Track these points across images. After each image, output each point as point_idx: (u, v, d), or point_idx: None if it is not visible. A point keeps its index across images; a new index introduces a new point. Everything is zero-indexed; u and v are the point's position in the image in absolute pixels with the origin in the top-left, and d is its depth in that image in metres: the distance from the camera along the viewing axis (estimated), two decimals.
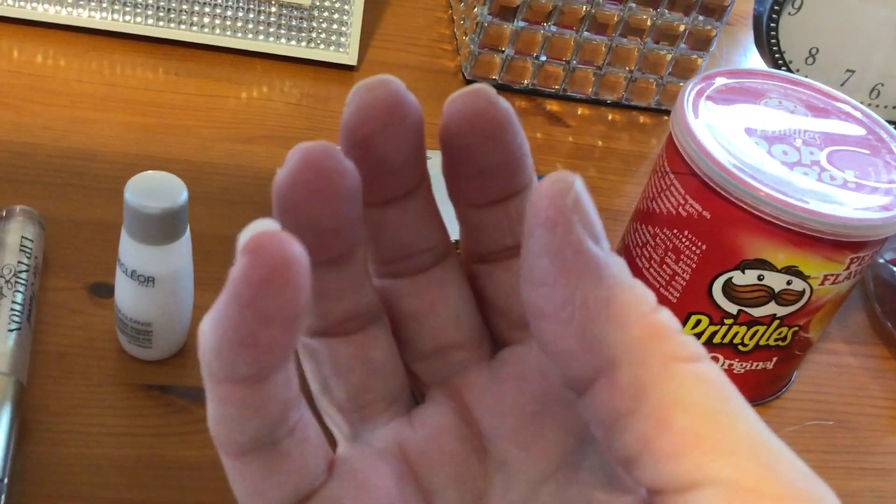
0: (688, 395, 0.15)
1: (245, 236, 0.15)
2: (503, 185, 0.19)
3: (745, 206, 0.42)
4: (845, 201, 0.42)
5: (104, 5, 0.60)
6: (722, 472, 0.14)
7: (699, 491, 0.15)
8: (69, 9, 0.60)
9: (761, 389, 0.50)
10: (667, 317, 0.16)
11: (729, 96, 0.47)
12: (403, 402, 0.20)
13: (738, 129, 0.45)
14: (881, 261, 0.60)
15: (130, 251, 0.39)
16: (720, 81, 0.48)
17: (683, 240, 0.45)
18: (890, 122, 0.49)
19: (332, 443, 0.20)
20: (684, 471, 0.15)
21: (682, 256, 0.45)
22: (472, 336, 0.20)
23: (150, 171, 0.39)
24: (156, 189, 0.38)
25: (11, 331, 0.40)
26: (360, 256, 0.18)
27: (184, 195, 0.38)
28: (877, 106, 0.75)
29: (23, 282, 0.42)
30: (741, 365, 0.47)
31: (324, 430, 0.19)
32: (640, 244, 0.48)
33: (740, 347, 0.46)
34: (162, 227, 0.38)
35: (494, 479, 0.19)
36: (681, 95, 0.46)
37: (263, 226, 0.15)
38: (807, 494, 0.15)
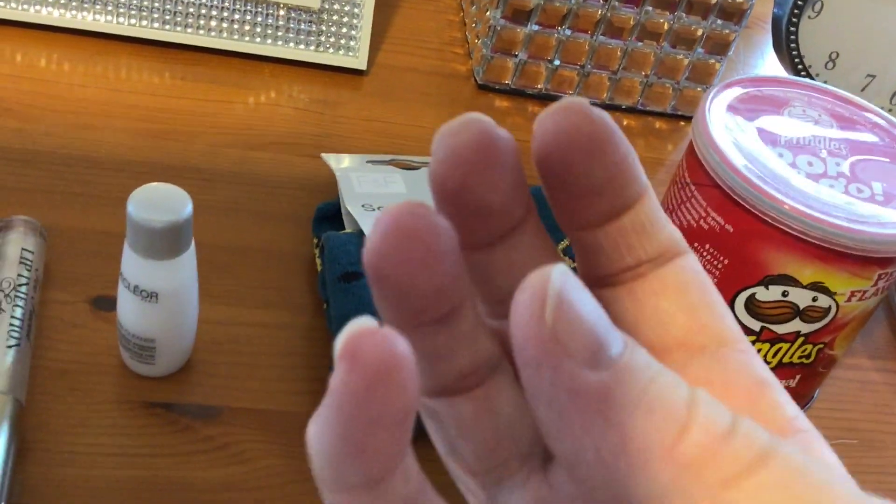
0: None
1: (341, 340, 0.13)
2: (613, 203, 0.17)
3: (769, 220, 0.40)
4: (872, 215, 0.41)
5: (109, 8, 0.59)
6: None
7: None
8: (73, 12, 0.59)
9: None
10: (700, 435, 0.13)
11: (751, 105, 0.46)
12: (537, 458, 0.18)
13: (762, 139, 0.43)
14: None
15: (133, 266, 0.38)
16: (741, 89, 0.47)
17: (705, 254, 0.43)
18: None
19: None
20: None
21: None
22: None
23: (153, 183, 0.37)
24: (160, 202, 0.37)
25: (10, 347, 0.38)
26: (469, 309, 0.17)
27: (188, 208, 0.37)
28: None
29: (22, 296, 0.40)
30: None
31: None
32: None
33: None
34: (166, 242, 0.37)
35: None
36: (702, 104, 0.44)
37: (360, 325, 0.13)
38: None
